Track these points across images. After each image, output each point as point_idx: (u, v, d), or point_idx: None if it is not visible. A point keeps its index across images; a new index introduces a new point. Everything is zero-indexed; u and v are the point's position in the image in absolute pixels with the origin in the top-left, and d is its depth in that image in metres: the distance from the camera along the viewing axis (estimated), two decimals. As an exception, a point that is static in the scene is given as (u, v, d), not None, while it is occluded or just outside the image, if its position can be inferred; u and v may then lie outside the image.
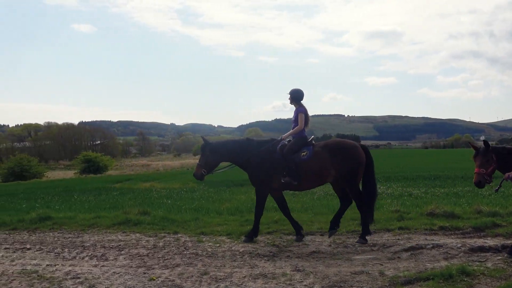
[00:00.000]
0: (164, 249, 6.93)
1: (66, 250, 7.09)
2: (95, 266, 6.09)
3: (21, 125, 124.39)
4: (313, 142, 7.51)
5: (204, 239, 7.54)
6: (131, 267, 5.98)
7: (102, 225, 8.92)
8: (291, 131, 7.52)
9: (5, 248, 7.34)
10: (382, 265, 5.70)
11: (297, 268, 5.63)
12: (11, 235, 8.49)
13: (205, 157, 7.51)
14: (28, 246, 7.43)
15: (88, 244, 7.42)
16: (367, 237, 7.02)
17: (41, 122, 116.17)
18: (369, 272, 5.39)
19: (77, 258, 6.59)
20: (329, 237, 7.22)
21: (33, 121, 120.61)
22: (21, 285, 5.30)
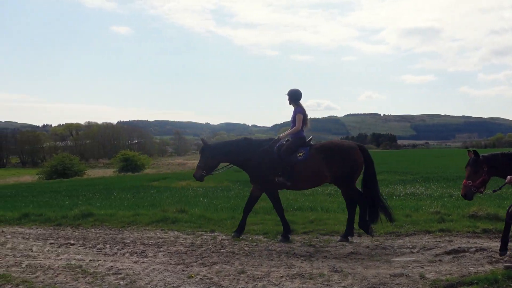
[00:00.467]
0: (202, 247, 7.02)
1: (107, 246, 7.30)
2: (136, 262, 6.24)
3: (63, 124, 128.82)
4: (312, 143, 7.56)
5: (241, 238, 7.59)
6: (170, 264, 6.09)
7: (141, 223, 9.14)
8: (288, 131, 7.63)
9: (51, 243, 7.64)
10: (422, 268, 5.57)
11: (335, 269, 5.58)
12: (55, 231, 8.83)
13: (204, 158, 7.70)
14: (72, 242, 7.70)
15: (128, 241, 7.61)
16: (369, 234, 7.18)
17: (82, 121, 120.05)
18: (409, 274, 5.27)
19: (118, 254, 6.78)
20: (338, 241, 7.17)
21: (74, 121, 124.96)
22: (67, 279, 5.50)
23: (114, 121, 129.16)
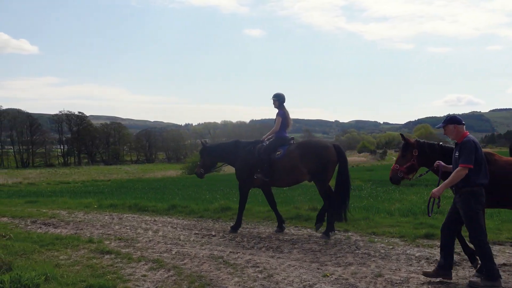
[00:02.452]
0: (336, 246, 6.98)
1: (245, 239, 7.69)
2: (272, 257, 6.46)
3: (202, 123, 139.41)
4: (291, 142, 8.22)
5: (376, 239, 7.37)
6: (305, 261, 6.17)
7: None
8: (268, 132, 8.47)
9: (195, 234, 8.32)
10: None
11: (485, 281, 5.07)
12: (199, 222, 9.59)
13: (202, 158, 9.01)
14: (213, 233, 8.29)
15: (264, 236, 7.92)
16: (330, 233, 7.57)
17: (219, 121, 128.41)
18: None
19: (255, 248, 7.10)
20: (316, 230, 7.93)
21: (212, 120, 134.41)
22: (210, 268, 5.92)
23: (247, 120, 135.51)
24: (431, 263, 5.91)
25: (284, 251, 6.77)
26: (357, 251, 6.63)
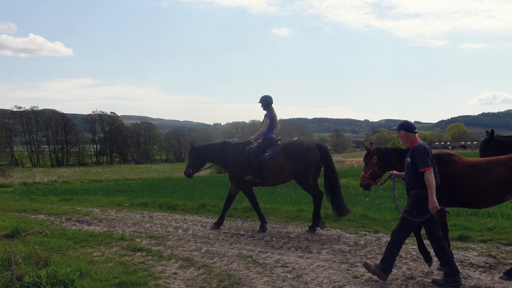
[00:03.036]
0: (366, 247, 6.90)
1: (274, 239, 7.69)
2: (301, 257, 6.43)
3: (230, 123, 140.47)
4: (279, 143, 8.46)
5: (407, 241, 7.20)
6: (334, 262, 6.12)
7: (304, 218, 9.39)
8: (256, 133, 8.72)
9: (224, 232, 8.38)
10: None
11: (522, 286, 4.91)
12: (228, 221, 9.63)
13: (191, 159, 9.09)
14: (242, 233, 8.32)
15: (292, 236, 7.90)
16: (316, 228, 8.03)
17: (247, 120, 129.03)
18: None
19: (284, 248, 7.08)
20: (307, 232, 8.05)
21: (240, 119, 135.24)
22: (239, 267, 5.95)
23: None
24: (465, 266, 5.76)
25: (313, 252, 6.73)
26: (388, 253, 6.51)
